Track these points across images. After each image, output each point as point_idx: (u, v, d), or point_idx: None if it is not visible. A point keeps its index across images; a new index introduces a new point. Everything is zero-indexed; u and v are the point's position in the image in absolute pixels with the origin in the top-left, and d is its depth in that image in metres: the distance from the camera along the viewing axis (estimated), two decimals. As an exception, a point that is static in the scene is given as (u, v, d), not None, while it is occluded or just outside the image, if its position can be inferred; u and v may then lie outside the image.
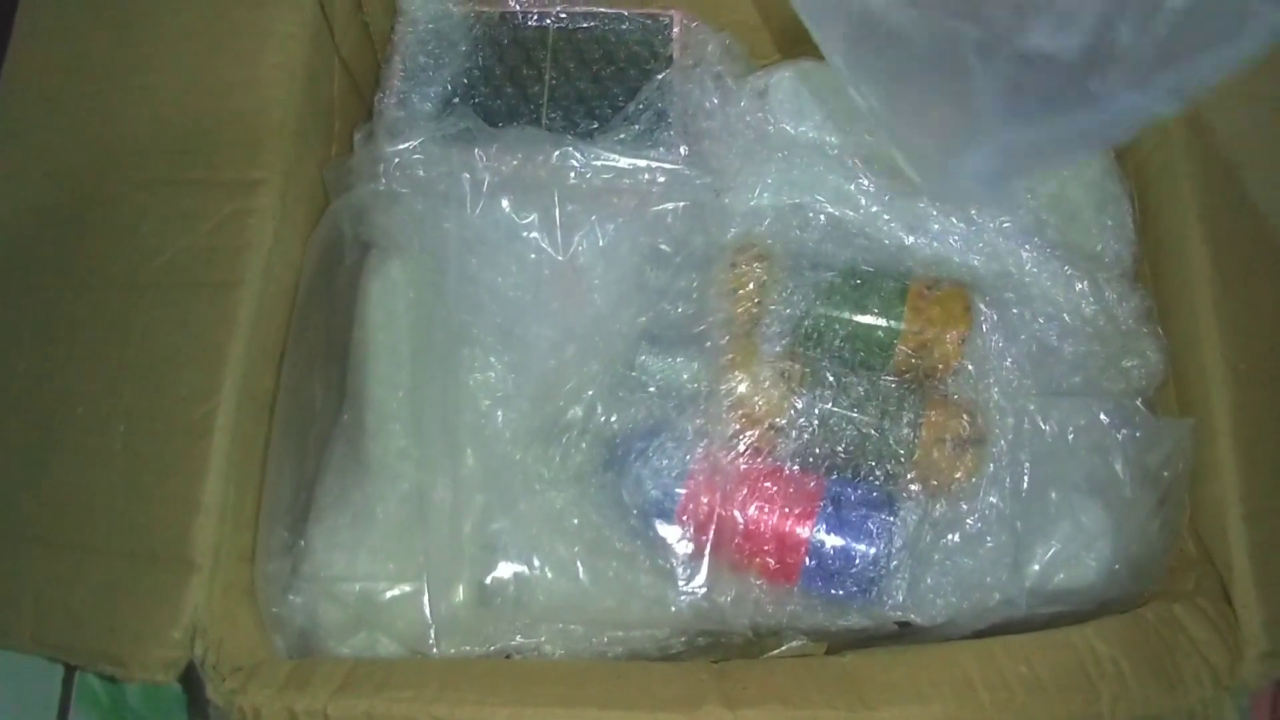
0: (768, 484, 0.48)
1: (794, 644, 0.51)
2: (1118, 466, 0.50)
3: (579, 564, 0.49)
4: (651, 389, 0.50)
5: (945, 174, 0.45)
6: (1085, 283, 0.52)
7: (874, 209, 0.53)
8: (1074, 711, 0.45)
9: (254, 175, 0.50)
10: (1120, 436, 0.50)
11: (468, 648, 0.49)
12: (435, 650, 0.49)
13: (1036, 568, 0.49)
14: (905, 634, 0.51)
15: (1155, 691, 0.46)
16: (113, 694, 0.63)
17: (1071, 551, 0.50)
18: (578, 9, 0.57)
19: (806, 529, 0.47)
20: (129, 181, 0.50)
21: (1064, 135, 0.43)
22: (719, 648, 0.51)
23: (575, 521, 0.49)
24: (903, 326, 0.50)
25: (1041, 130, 0.42)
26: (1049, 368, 0.51)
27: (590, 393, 0.50)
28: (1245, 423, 0.49)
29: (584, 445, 0.50)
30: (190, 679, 0.46)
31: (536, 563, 0.50)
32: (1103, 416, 0.50)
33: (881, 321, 0.50)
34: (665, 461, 0.48)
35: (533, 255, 0.52)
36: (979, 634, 0.49)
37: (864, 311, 0.50)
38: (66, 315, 0.49)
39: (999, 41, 0.40)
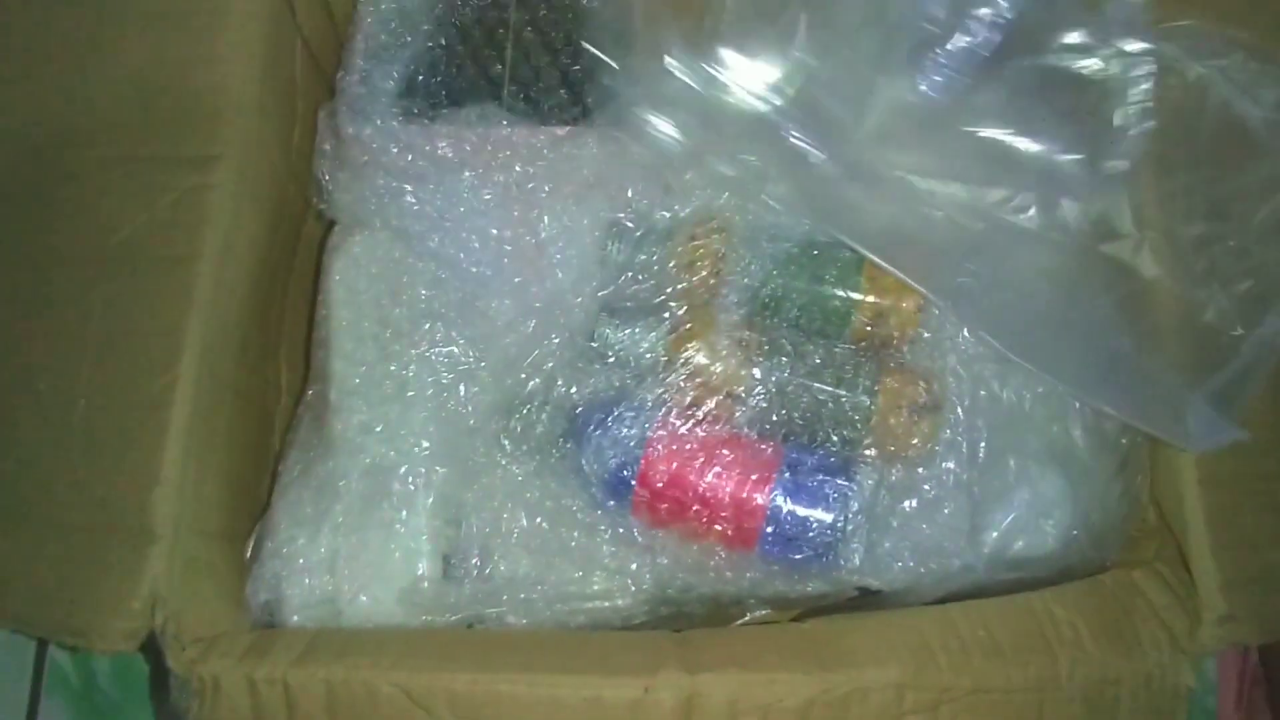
0: (725, 452, 0.48)
1: (757, 614, 0.51)
2: (1076, 434, 0.51)
3: (541, 535, 0.50)
4: (611, 360, 0.51)
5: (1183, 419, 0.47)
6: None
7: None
8: (1031, 674, 0.45)
9: (212, 151, 0.50)
10: (1078, 403, 0.50)
11: (430, 618, 0.49)
12: (399, 621, 0.49)
13: (995, 535, 0.49)
14: (867, 601, 0.51)
15: (1113, 655, 0.46)
16: (84, 677, 0.64)
17: (1030, 519, 0.50)
18: (540, -12, 0.58)
19: (764, 495, 0.48)
20: (88, 158, 0.51)
21: None
22: (682, 618, 0.51)
23: (537, 493, 0.50)
24: (859, 296, 0.50)
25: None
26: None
27: (550, 365, 0.51)
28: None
29: (544, 417, 0.50)
30: (153, 652, 0.46)
31: (499, 534, 0.50)
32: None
33: (839, 291, 0.51)
34: (624, 431, 0.48)
35: (494, 230, 0.53)
36: (941, 600, 0.49)
37: (821, 281, 0.51)
38: (27, 292, 0.50)
39: None
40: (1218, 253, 0.46)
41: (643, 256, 0.52)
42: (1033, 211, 0.47)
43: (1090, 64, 0.47)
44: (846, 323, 0.51)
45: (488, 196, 0.53)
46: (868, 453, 0.49)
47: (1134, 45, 0.48)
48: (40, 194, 0.51)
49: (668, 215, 0.53)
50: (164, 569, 0.45)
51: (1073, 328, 0.47)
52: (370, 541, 0.50)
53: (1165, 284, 0.49)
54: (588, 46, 0.56)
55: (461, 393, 0.51)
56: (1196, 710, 0.66)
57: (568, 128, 0.53)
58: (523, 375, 0.51)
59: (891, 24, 0.47)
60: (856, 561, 0.47)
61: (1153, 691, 0.47)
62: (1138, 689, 0.47)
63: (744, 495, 0.48)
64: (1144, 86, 0.47)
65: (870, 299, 0.50)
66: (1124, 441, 0.51)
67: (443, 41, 0.56)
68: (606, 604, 0.50)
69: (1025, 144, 0.46)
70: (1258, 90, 0.47)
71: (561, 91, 0.55)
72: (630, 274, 0.52)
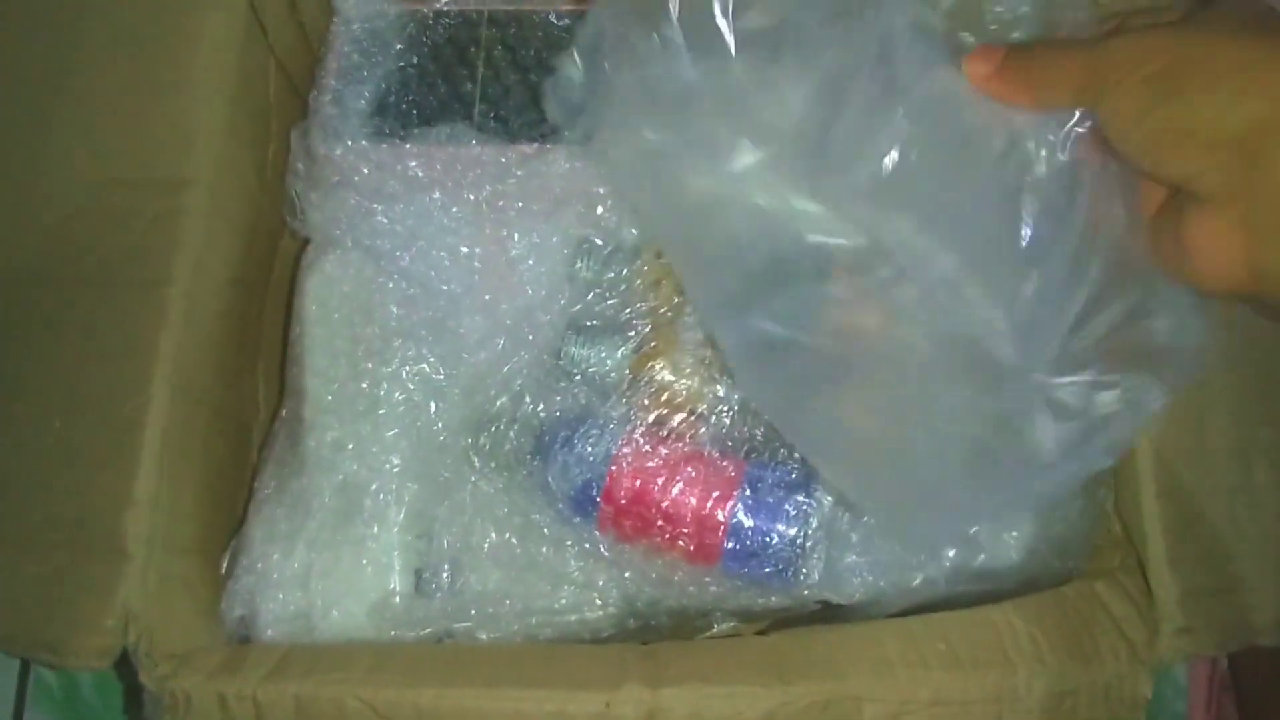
0: (689, 468, 0.49)
1: (723, 626, 0.52)
2: (1038, 447, 0.51)
3: (510, 550, 0.51)
4: (577, 377, 0.51)
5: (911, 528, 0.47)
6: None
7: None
8: (989, 686, 0.46)
9: (184, 175, 0.51)
10: (1040, 418, 0.51)
11: (401, 633, 0.50)
12: (370, 635, 0.50)
13: (956, 550, 0.50)
14: (833, 614, 0.52)
15: (1071, 666, 0.47)
16: (67, 689, 0.65)
17: (993, 532, 0.51)
18: (511, 8, 0.58)
19: (725, 511, 0.48)
20: (61, 181, 0.51)
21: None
22: (649, 630, 0.52)
23: (506, 509, 0.51)
24: (823, 313, 0.51)
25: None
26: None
27: (519, 383, 0.52)
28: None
29: (513, 434, 0.51)
30: (127, 668, 0.47)
31: (469, 550, 0.51)
32: (1022, 398, 0.51)
33: (801, 308, 0.51)
34: (590, 448, 0.49)
35: (464, 248, 0.53)
36: (905, 613, 0.50)
37: (784, 299, 0.51)
38: (3, 315, 0.50)
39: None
40: (1080, 342, 0.42)
41: (611, 274, 0.53)
42: (909, 291, 0.45)
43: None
44: (809, 340, 0.51)
45: (458, 214, 0.54)
46: (828, 469, 0.49)
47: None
48: (12, 217, 0.52)
49: (635, 232, 0.54)
50: (137, 587, 0.46)
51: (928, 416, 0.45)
52: (343, 557, 0.51)
53: (1024, 374, 0.45)
54: (557, 64, 0.57)
55: (432, 410, 0.52)
56: (1166, 715, 0.67)
57: (536, 145, 0.54)
58: (492, 392, 0.52)
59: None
60: (815, 577, 0.48)
61: (1111, 702, 0.48)
62: (1095, 700, 0.48)
63: (706, 511, 0.49)
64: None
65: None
66: (1086, 455, 0.52)
67: (415, 61, 0.57)
68: (575, 617, 0.51)
69: (910, 226, 0.43)
70: None
71: (532, 110, 0.55)
72: (598, 291, 0.52)
